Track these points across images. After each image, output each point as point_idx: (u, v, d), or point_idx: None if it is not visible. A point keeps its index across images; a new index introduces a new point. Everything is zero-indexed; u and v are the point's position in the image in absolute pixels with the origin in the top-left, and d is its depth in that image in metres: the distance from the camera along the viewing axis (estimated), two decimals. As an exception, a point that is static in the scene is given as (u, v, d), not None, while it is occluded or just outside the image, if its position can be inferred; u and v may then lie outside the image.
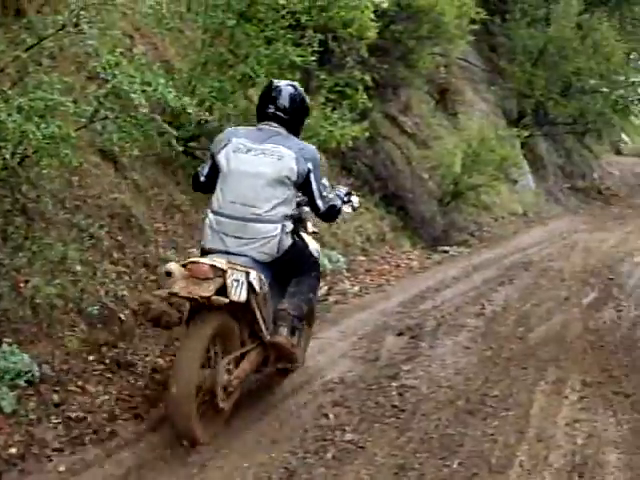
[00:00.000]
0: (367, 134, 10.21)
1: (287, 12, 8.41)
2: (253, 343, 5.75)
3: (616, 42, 23.23)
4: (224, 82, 8.26)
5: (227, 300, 5.14)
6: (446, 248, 13.82)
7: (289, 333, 5.72)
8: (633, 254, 14.89)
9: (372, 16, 9.74)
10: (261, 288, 5.49)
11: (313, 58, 8.71)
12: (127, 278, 6.78)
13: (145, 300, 6.77)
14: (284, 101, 5.93)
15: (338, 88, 10.45)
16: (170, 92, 6.02)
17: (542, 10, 23.17)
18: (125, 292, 6.56)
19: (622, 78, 23.06)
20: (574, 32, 22.61)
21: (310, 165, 5.77)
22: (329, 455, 5.27)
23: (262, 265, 5.60)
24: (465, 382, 6.94)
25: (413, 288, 10.58)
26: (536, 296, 10.65)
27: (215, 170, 5.82)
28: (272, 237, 5.61)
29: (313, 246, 6.34)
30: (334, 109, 9.46)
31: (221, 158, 5.76)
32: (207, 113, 7.49)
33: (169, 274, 5.20)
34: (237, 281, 5.23)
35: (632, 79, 22.89)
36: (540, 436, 5.77)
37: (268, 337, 5.69)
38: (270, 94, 6.00)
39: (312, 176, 5.80)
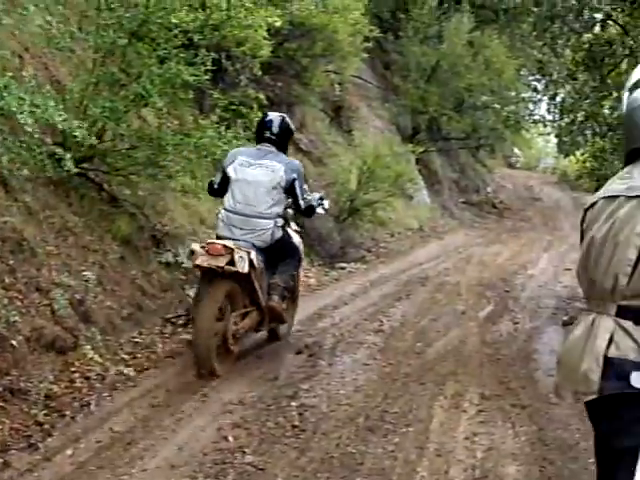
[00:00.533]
0: (262, 152, 10.18)
1: (180, 31, 8.33)
2: (252, 306, 7.79)
3: (507, 58, 23.71)
4: (116, 102, 8.12)
5: (236, 269, 7.15)
6: (343, 265, 13.85)
7: (280, 299, 7.88)
8: (527, 267, 15.20)
9: (265, 34, 9.74)
10: (259, 265, 7.58)
11: (206, 77, 8.64)
12: (19, 303, 6.59)
13: (38, 325, 6.62)
14: (275, 128, 8.06)
15: (233, 107, 10.41)
16: (60, 115, 5.92)
17: (434, 28, 23.47)
18: (17, 317, 6.39)
19: (513, 94, 23.51)
20: (466, 49, 23.01)
21: (295, 175, 7.88)
22: (229, 478, 5.20)
23: (259, 250, 7.64)
24: (365, 399, 6.94)
25: (311, 306, 10.55)
26: (433, 311, 10.75)
27: (225, 179, 7.89)
28: (267, 229, 7.72)
29: (296, 239, 8.43)
30: (228, 127, 9.40)
31: (230, 171, 7.85)
32: (94, 137, 7.42)
33: (193, 252, 7.36)
34: (241, 257, 7.22)
35: (522, 95, 23.34)
36: (440, 451, 5.79)
37: (264, 302, 7.81)
38: (265, 122, 8.18)
39: (296, 183, 7.89)
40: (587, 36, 12.18)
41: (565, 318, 10.23)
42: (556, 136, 13.11)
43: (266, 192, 7.73)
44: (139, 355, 7.68)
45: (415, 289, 12.27)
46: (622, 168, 3.61)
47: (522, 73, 25.72)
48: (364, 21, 15.00)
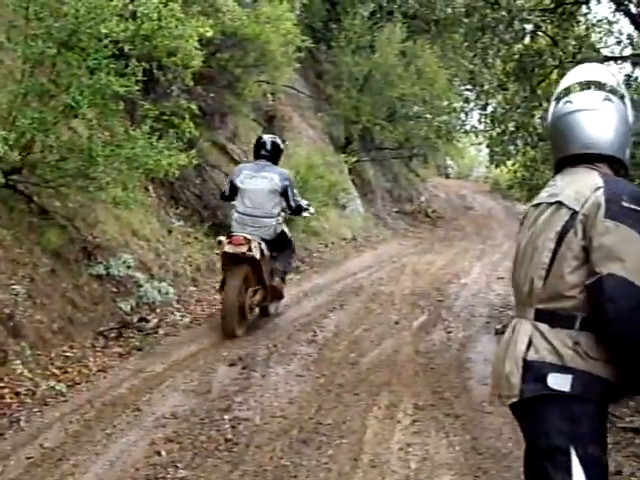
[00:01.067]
0: (195, 163, 10.13)
1: (110, 41, 8.24)
2: (260, 285, 9.98)
3: (439, 68, 23.89)
4: (45, 113, 8.03)
5: (252, 254, 9.44)
6: (277, 275, 13.81)
7: (280, 280, 10.46)
8: (460, 275, 15.29)
9: (197, 45, 9.66)
10: (266, 253, 9.84)
11: (137, 87, 8.59)
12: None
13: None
14: (268, 147, 10.31)
15: (164, 117, 10.33)
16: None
17: (367, 37, 23.53)
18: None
19: (445, 103, 23.66)
20: (398, 59, 23.09)
21: (287, 182, 10.13)
22: (162, 494, 5.16)
23: (265, 242, 9.81)
24: (299, 411, 6.92)
25: (244, 317, 10.53)
26: (367, 321, 10.76)
27: (234, 189, 10.09)
28: (271, 226, 9.97)
29: (290, 234, 10.77)
30: (160, 138, 9.33)
31: (238, 182, 10.03)
32: (21, 150, 7.33)
33: (220, 242, 9.63)
34: (256, 247, 9.50)
35: (454, 104, 23.50)
36: (374, 462, 5.79)
37: (268, 282, 10.10)
38: (260, 143, 10.38)
39: (288, 188, 10.13)
40: (517, 47, 12.30)
41: (498, 327, 10.30)
42: (487, 146, 13.19)
43: (268, 197, 9.96)
44: (70, 369, 7.60)
45: (349, 299, 12.28)
46: (553, 177, 3.69)
47: (454, 83, 25.92)
48: (296, 31, 14.98)
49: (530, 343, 3.33)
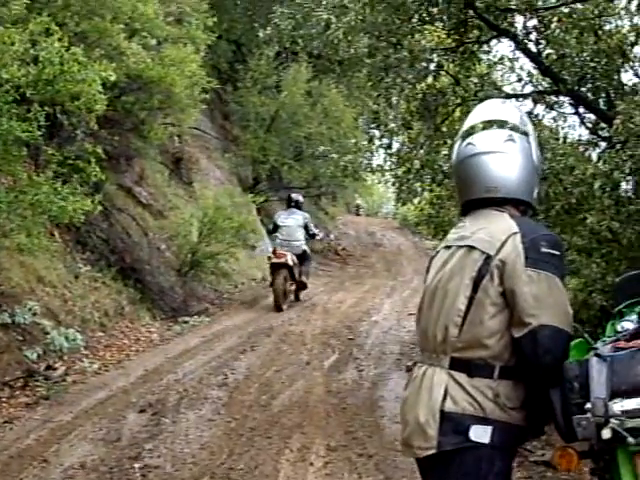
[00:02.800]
0: (101, 207, 10.02)
1: (11, 86, 8.15)
2: (292, 281, 15.84)
3: (345, 107, 24.09)
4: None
5: (288, 262, 15.18)
6: (187, 318, 13.70)
7: (305, 277, 16.48)
8: (370, 313, 15.35)
9: (100, 89, 9.58)
10: (296, 262, 15.67)
11: (40, 132, 8.49)
12: None
13: None
14: (294, 200, 16.91)
15: (69, 161, 10.21)
16: None
17: (273, 78, 23.61)
18: None
19: (353, 141, 23.70)
20: (304, 98, 23.25)
21: (306, 220, 16.56)
22: None
23: (295, 255, 15.62)
24: (210, 457, 6.86)
25: (154, 362, 10.42)
26: (278, 362, 10.73)
27: (276, 226, 16.31)
28: (299, 246, 16.05)
29: (309, 251, 16.88)
30: (65, 183, 9.21)
31: (279, 222, 16.27)
32: None
33: (270, 257, 15.53)
34: (290, 258, 15.25)
35: (361, 143, 23.59)
36: (287, 506, 5.77)
37: (297, 279, 15.98)
38: (290, 198, 17.04)
39: (308, 223, 16.54)
40: (420, 86, 12.40)
41: (409, 364, 10.33)
42: (393, 184, 13.27)
43: (296, 229, 16.31)
44: (-26, 421, 7.43)
45: (260, 340, 12.23)
46: (460, 219, 3.68)
47: (360, 121, 26.16)
48: (202, 73, 14.94)
49: (446, 393, 3.25)
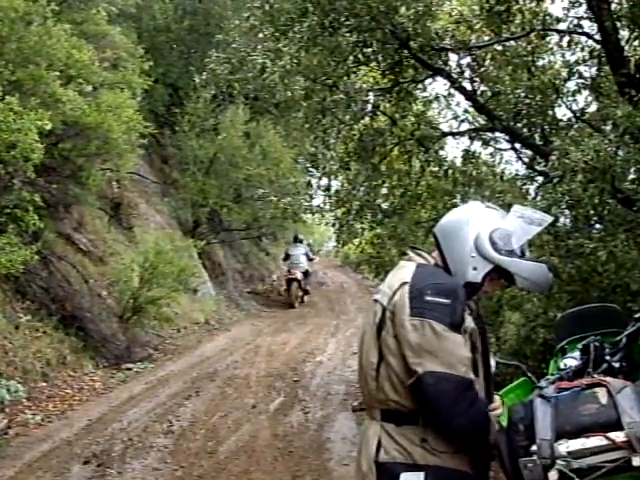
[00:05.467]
0: (40, 256, 9.91)
1: (-55, 138, 8.10)
2: (300, 289, 25.62)
3: (283, 148, 24.17)
4: None
5: (297, 277, 25.15)
6: (130, 365, 13.57)
7: (308, 287, 26.63)
8: (314, 353, 15.34)
9: (36, 137, 9.53)
10: (303, 277, 25.59)
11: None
12: None
13: None
14: (298, 238, 26.91)
15: (7, 211, 10.12)
16: None
17: (210, 120, 23.59)
18: None
19: (292, 181, 23.67)
20: (242, 140, 23.26)
21: (307, 249, 26.92)
22: None
23: (302, 273, 25.44)
24: (157, 507, 6.79)
25: (98, 411, 10.31)
26: (223, 407, 10.68)
27: (287, 255, 26.31)
28: (303, 266, 25.68)
29: (311, 270, 27.22)
30: (2, 232, 9.11)
31: (289, 252, 26.12)
32: None
33: (286, 275, 25.87)
34: (299, 275, 25.25)
35: (300, 183, 23.60)
36: None
37: (304, 287, 25.85)
38: (295, 237, 26.96)
39: (308, 252, 26.76)
40: (357, 127, 12.50)
41: (355, 403, 10.25)
42: (333, 225, 13.30)
43: (301, 257, 25.58)
44: None
45: (204, 385, 12.15)
46: (400, 258, 3.75)
47: (299, 161, 26.31)
48: (139, 118, 14.91)
49: (379, 444, 3.31)
